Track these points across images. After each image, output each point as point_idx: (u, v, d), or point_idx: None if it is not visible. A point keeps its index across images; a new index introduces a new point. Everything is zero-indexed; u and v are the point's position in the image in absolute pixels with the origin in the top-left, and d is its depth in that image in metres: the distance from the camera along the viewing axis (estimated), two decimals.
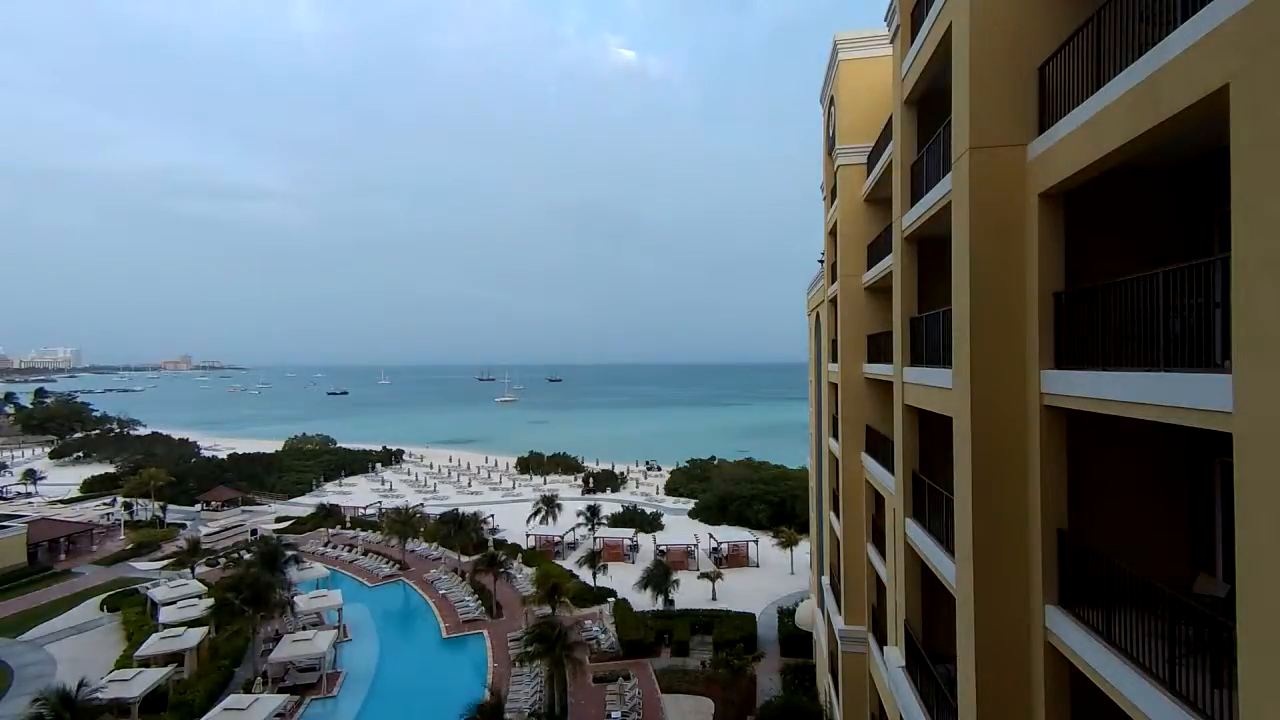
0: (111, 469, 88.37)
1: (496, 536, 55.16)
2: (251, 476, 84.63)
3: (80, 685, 25.88)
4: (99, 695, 26.63)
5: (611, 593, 42.12)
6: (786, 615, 36.86)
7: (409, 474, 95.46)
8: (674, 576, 40.56)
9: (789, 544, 47.43)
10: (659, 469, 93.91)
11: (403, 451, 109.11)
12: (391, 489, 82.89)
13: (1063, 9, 8.60)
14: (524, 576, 45.55)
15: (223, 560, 50.15)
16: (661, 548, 51.40)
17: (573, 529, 56.92)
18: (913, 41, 12.68)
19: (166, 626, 36.16)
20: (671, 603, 39.52)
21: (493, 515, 60.47)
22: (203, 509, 71.65)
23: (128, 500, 69.94)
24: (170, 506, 68.94)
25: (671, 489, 79.99)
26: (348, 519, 64.39)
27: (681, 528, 59.75)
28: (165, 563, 51.09)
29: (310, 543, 56.54)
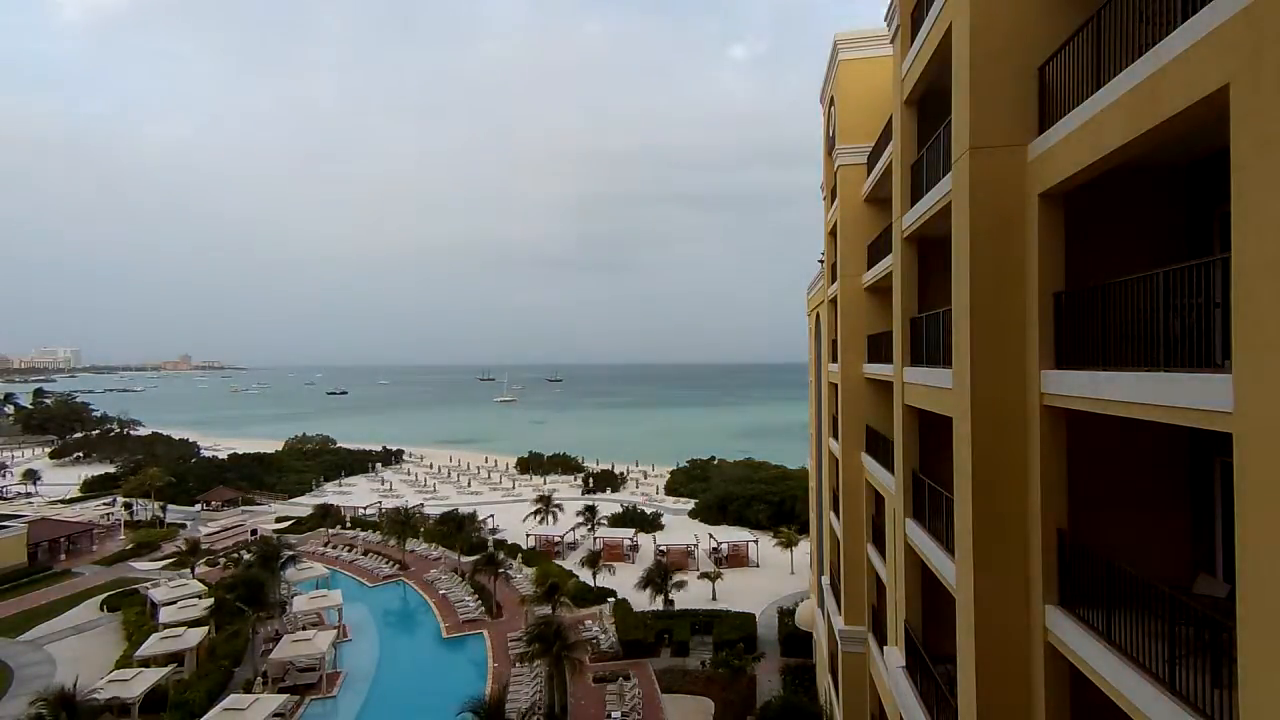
0: (111, 469, 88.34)
1: (496, 536, 55.19)
2: (251, 476, 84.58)
3: (75, 684, 25.90)
4: (97, 695, 26.68)
5: (611, 593, 42.11)
6: (786, 615, 36.84)
7: (409, 474, 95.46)
8: (674, 577, 40.55)
9: (789, 544, 47.41)
10: (653, 468, 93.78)
11: (403, 451, 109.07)
12: (391, 489, 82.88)
13: (1063, 9, 8.60)
14: (524, 576, 45.55)
15: (223, 560, 50.12)
16: (661, 548, 51.37)
17: (573, 529, 56.93)
18: (913, 42, 12.69)
19: (166, 626, 36.14)
20: (671, 603, 39.51)
21: (493, 515, 60.49)
22: (203, 509, 71.64)
23: (128, 500, 69.93)
24: (170, 506, 68.87)
25: (671, 489, 79.92)
26: (348, 519, 64.34)
27: (681, 528, 59.72)
28: (165, 563, 51.12)
29: (310, 543, 56.52)
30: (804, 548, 44.26)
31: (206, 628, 35.85)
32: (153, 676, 30.05)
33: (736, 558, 50.68)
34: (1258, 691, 4.82)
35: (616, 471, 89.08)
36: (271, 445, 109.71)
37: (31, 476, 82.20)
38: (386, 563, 50.82)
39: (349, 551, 54.18)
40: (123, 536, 60.10)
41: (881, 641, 17.92)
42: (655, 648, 35.00)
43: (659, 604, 39.43)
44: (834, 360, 22.58)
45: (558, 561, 49.64)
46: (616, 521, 59.92)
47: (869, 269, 19.39)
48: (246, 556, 46.12)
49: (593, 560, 44.70)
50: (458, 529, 55.63)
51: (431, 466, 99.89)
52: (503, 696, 27.77)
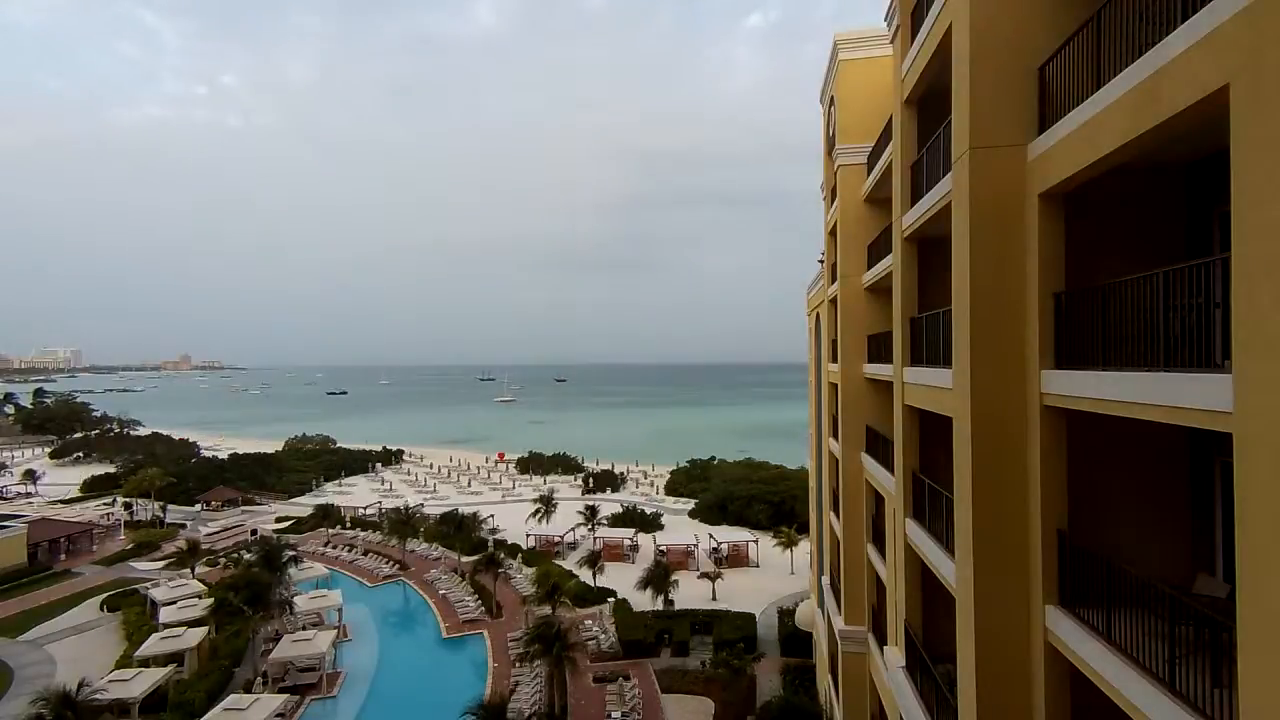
0: (111, 469, 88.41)
1: (496, 536, 55.16)
2: (251, 476, 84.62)
3: (80, 685, 25.92)
4: (99, 695, 26.67)
5: (611, 593, 42.12)
6: (786, 615, 36.85)
7: (409, 474, 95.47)
8: (674, 576, 40.55)
9: (789, 544, 47.41)
10: (653, 468, 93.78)
11: (403, 451, 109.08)
12: (391, 489, 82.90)
13: (1063, 9, 8.59)
14: (524, 576, 45.55)
15: (223, 560, 50.14)
16: (661, 548, 51.35)
17: (573, 529, 56.93)
18: (913, 41, 12.68)
19: (166, 626, 36.16)
20: (671, 603, 39.51)
21: (493, 515, 60.48)
22: (203, 509, 71.65)
23: (128, 500, 69.97)
24: (170, 506, 68.90)
25: (671, 489, 79.92)
26: (348, 519, 64.39)
27: (681, 528, 59.72)
28: (165, 563, 51.12)
29: (310, 543, 56.52)
30: (804, 548, 44.25)
31: (206, 628, 35.85)
32: (153, 676, 30.06)
33: (736, 558, 50.67)
34: (1258, 691, 4.82)
35: (616, 471, 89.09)
36: (271, 445, 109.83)
37: (31, 476, 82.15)
38: (386, 563, 50.84)
39: (349, 551, 54.19)
40: (123, 536, 60.09)
41: (881, 641, 17.91)
42: (655, 648, 34.99)
43: (659, 604, 39.43)
44: (834, 360, 22.58)
45: (558, 561, 49.63)
46: (616, 521, 59.90)
47: (869, 269, 19.39)
48: (247, 556, 46.13)
49: (593, 560, 44.69)
50: (458, 529, 55.63)
51: (431, 466, 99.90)
52: (505, 698, 27.78)
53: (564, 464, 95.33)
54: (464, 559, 48.95)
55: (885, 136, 16.72)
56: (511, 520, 59.26)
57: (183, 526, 63.13)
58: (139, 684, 29.12)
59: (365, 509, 68.11)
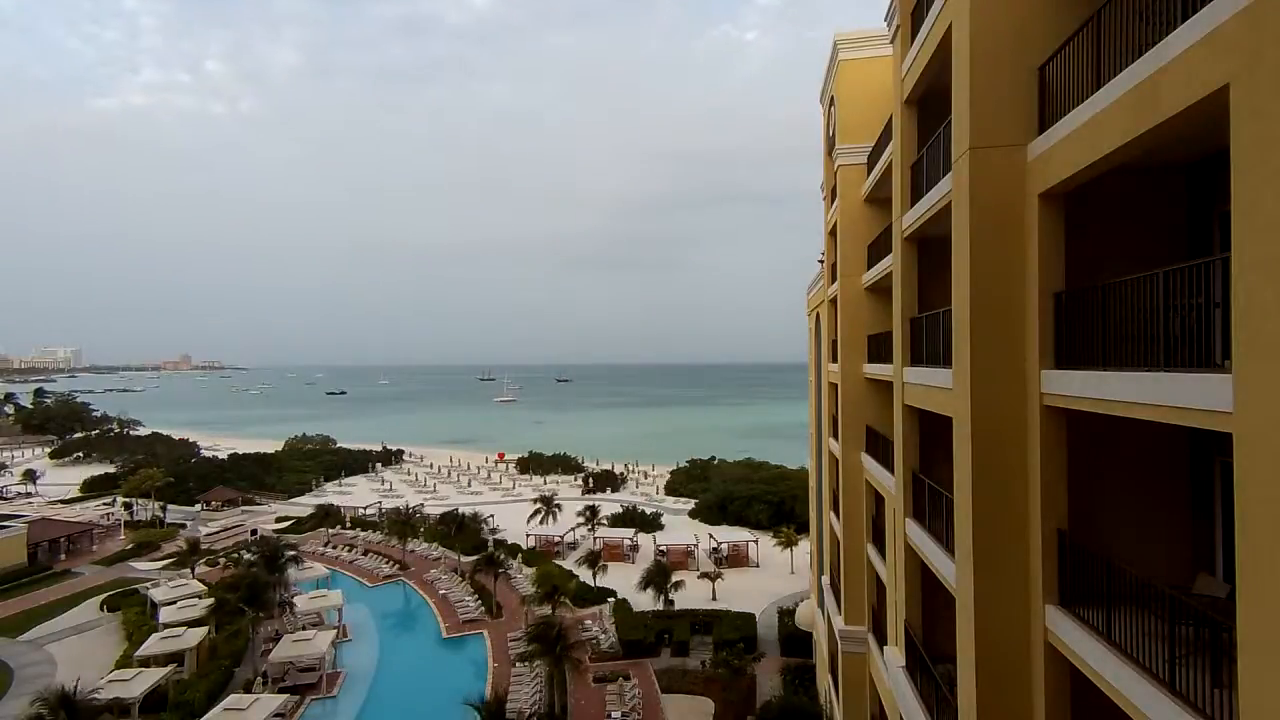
0: (111, 469, 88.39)
1: (496, 536, 55.18)
2: (251, 476, 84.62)
3: (77, 684, 25.91)
4: (98, 695, 26.68)
5: (611, 593, 42.13)
6: (786, 615, 36.85)
7: (409, 474, 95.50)
8: (674, 577, 40.55)
9: (789, 544, 47.43)
10: (653, 468, 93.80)
11: (403, 451, 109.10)
12: (391, 489, 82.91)
13: (1063, 9, 8.60)
14: (524, 576, 45.54)
15: (223, 560, 50.17)
16: (661, 548, 51.40)
17: (573, 529, 56.94)
18: (913, 42, 12.69)
19: (166, 626, 36.15)
20: (671, 603, 39.51)
21: (493, 515, 60.49)
22: (203, 509, 71.65)
23: (128, 500, 69.95)
24: (170, 506, 68.91)
25: (671, 489, 79.96)
26: (348, 519, 64.39)
27: (681, 528, 59.75)
28: (165, 563, 51.09)
29: (310, 543, 56.52)
30: (804, 548, 44.26)
31: (206, 628, 35.84)
32: (153, 676, 30.06)
33: (736, 558, 50.69)
34: (1258, 691, 4.82)
35: (616, 471, 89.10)
36: (271, 445, 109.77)
37: (31, 476, 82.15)
38: (386, 563, 50.85)
39: (349, 551, 54.20)
40: (123, 536, 60.10)
41: (881, 641, 17.91)
42: (655, 648, 35.01)
43: (659, 604, 39.43)
44: (834, 360, 22.58)
45: (558, 561, 49.60)
46: (616, 521, 59.92)
47: (869, 269, 19.39)
48: (247, 556, 46.13)
49: (593, 560, 44.71)
50: (458, 529, 55.65)
51: (431, 466, 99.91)
52: (503, 697, 27.76)
53: (564, 464, 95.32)
54: (464, 559, 48.96)
55: (885, 136, 16.72)
56: (511, 520, 59.26)
57: (183, 526, 63.13)
58: (139, 684, 29.12)
59: (365, 509, 68.12)
